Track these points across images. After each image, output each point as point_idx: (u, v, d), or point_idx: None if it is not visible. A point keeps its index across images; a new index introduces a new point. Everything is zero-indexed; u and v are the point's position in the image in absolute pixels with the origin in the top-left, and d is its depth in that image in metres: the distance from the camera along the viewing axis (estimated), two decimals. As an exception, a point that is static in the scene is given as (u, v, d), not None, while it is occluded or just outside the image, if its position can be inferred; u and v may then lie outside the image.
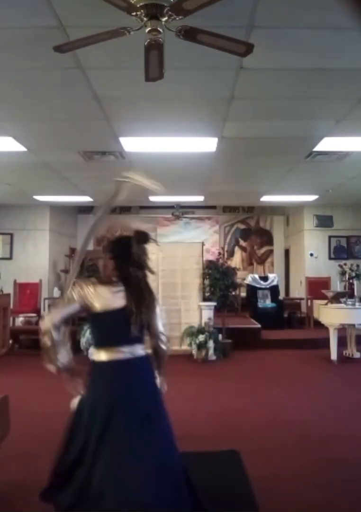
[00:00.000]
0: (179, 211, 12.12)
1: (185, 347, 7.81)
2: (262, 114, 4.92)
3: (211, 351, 7.57)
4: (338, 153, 6.41)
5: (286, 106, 4.70)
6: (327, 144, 5.96)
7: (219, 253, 9.69)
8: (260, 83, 4.11)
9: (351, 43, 3.34)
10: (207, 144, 6.02)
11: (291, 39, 3.32)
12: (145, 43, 2.77)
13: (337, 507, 2.90)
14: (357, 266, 9.27)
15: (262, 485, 3.05)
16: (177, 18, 2.61)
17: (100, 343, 2.30)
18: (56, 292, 11.01)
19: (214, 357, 7.57)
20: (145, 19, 2.60)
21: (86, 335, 7.40)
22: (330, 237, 11.42)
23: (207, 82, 4.11)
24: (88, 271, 8.33)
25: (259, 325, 9.09)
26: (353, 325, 7.69)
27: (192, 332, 7.73)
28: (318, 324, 8.68)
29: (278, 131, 5.49)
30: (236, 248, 13.37)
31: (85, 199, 10.29)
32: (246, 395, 5.59)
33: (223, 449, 3.71)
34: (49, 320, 2.21)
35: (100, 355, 2.26)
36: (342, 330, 7.69)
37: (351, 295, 8.70)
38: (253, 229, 13.31)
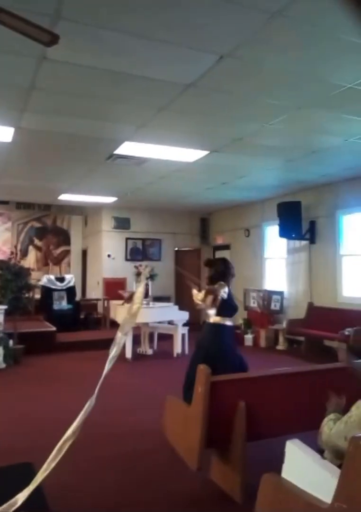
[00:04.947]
0: None
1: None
2: (64, 109, 4.72)
3: (0, 359, 6.99)
4: (137, 158, 6.61)
5: (89, 104, 4.60)
6: (127, 148, 6.09)
7: (12, 253, 9.06)
8: (64, 77, 3.92)
9: (158, 53, 3.44)
10: (1, 134, 5.50)
11: (101, 39, 3.24)
12: None
13: (134, 498, 3.03)
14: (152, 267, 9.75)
15: (58, 494, 2.98)
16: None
17: None
18: None
19: (3, 365, 6.99)
20: None
21: None
22: (127, 238, 11.81)
23: (5, 67, 3.72)
24: None
25: (54, 328, 8.77)
26: (147, 324, 8.07)
27: (-21, 339, 7.00)
28: (114, 324, 8.84)
29: (80, 129, 5.36)
30: (31, 248, 12.69)
31: None
32: (40, 401, 5.34)
33: (14, 463, 3.47)
34: None
35: None
36: (137, 329, 7.99)
37: (145, 295, 9.11)
38: (50, 228, 12.83)
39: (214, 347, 4.36)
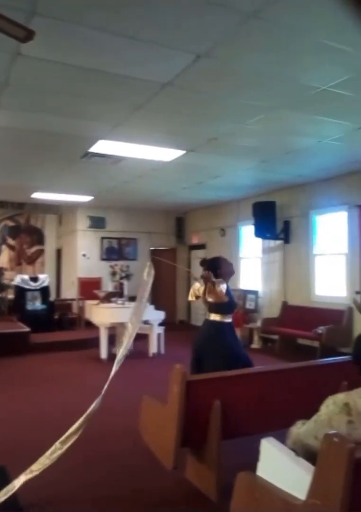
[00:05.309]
0: None
1: None
2: (39, 106, 4.65)
3: (-27, 361, 6.86)
4: (113, 157, 6.56)
5: (64, 102, 4.54)
6: (103, 146, 6.04)
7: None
8: (39, 74, 3.86)
9: (134, 51, 3.41)
10: (-26, 131, 5.39)
11: (76, 36, 3.20)
12: None
13: (109, 498, 3.03)
14: (127, 266, 9.72)
15: (30, 493, 2.92)
16: None
17: None
18: None
19: (-24, 367, 6.86)
20: None
21: None
22: (102, 238, 11.72)
23: (-23, 62, 3.65)
24: None
25: (27, 329, 8.64)
26: (122, 324, 8.02)
27: None
28: (89, 324, 8.78)
29: (54, 127, 5.28)
30: (4, 247, 12.46)
31: None
32: (14, 403, 5.24)
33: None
34: None
35: None
36: (112, 329, 7.95)
37: (121, 294, 9.08)
38: (23, 227, 12.63)
39: (214, 344, 4.35)
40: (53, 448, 2.90)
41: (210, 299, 4.39)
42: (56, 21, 3.03)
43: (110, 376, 3.01)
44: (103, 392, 3.00)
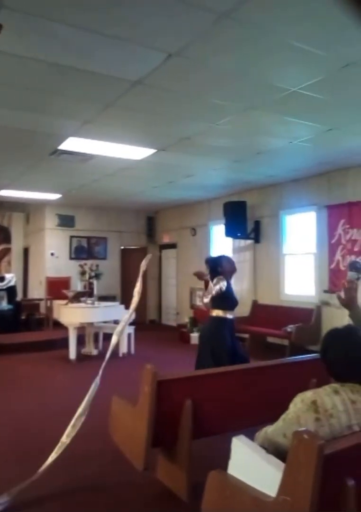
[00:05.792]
0: None
1: None
2: (6, 102, 4.53)
3: None
4: (83, 155, 6.47)
5: (32, 98, 4.43)
6: (72, 144, 5.95)
7: None
8: (7, 69, 3.75)
9: (106, 48, 3.36)
10: None
11: (47, 31, 3.12)
12: None
13: (80, 500, 3.01)
14: (97, 266, 9.61)
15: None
16: None
17: None
18: None
19: None
20: None
21: None
22: (71, 237, 11.56)
23: None
24: None
25: (-7, 330, 8.46)
26: (92, 323, 7.94)
27: None
28: (58, 325, 8.64)
29: (21, 123, 5.16)
30: (-31, 245, 12.17)
31: None
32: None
33: None
34: None
35: None
36: (81, 329, 7.85)
37: (90, 294, 8.98)
38: (-11, 225, 12.36)
39: (216, 339, 4.52)
40: (59, 444, 3.11)
41: (209, 296, 4.55)
42: (25, 15, 2.95)
43: (109, 351, 3.20)
44: (100, 371, 3.18)
